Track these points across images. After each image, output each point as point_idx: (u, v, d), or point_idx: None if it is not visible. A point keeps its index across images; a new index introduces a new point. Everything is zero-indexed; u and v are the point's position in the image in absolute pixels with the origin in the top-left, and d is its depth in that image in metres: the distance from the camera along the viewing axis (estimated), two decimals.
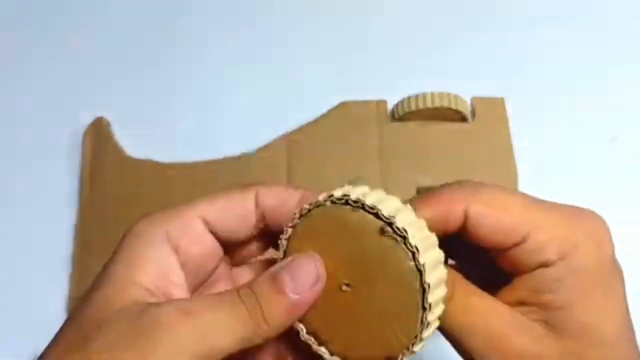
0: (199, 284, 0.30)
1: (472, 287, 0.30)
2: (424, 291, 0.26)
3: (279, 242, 0.28)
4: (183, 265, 0.29)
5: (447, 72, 0.62)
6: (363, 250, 0.27)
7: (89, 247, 0.54)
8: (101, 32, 0.65)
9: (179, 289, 0.28)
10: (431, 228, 0.28)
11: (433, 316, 0.27)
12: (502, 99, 0.57)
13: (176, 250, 0.28)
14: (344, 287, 0.27)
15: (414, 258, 0.26)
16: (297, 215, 0.28)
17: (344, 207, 0.27)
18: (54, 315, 0.53)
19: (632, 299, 0.52)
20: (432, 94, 0.54)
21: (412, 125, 0.56)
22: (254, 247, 0.32)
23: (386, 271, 0.26)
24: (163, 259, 0.28)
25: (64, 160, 0.59)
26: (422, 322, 0.26)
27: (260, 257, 0.33)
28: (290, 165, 0.55)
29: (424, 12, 0.66)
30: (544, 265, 0.28)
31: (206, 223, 0.29)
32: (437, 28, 0.65)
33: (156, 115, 0.61)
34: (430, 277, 0.26)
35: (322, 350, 0.28)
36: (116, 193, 0.56)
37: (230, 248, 0.31)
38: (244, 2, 0.67)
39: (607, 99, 0.61)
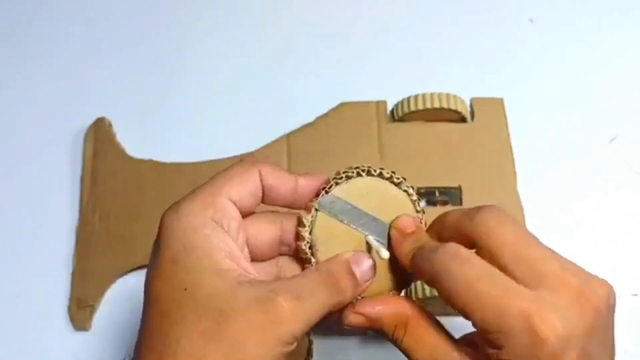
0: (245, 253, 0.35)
1: (428, 322, 0.33)
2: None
3: (304, 218, 0.35)
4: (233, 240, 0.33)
5: (446, 73, 0.62)
6: (383, 205, 0.35)
7: (89, 247, 0.54)
8: (103, 33, 0.66)
9: (244, 261, 0.33)
10: None
11: None
12: (501, 100, 0.57)
13: (224, 229, 0.32)
14: (365, 241, 0.35)
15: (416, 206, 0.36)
16: (323, 191, 0.35)
17: (353, 178, 0.35)
18: (55, 315, 0.53)
19: (631, 299, 0.52)
20: (432, 94, 0.54)
21: (411, 125, 0.56)
22: None
23: None
24: (224, 242, 0.32)
25: (66, 161, 0.59)
26: None
27: None
28: (290, 166, 0.55)
29: (423, 12, 0.66)
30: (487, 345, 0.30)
31: (232, 201, 0.33)
32: (436, 29, 0.65)
33: (157, 116, 0.61)
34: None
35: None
36: (117, 193, 0.56)
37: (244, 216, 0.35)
38: (245, 3, 0.67)
39: (606, 100, 0.61)
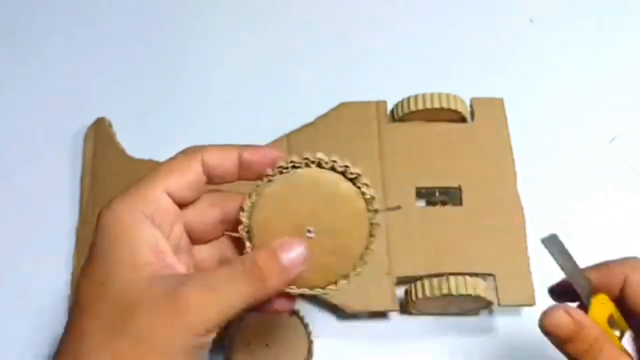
0: (174, 245, 0.35)
1: (618, 352, 0.33)
2: (370, 236, 0.35)
3: (243, 203, 0.34)
4: (163, 234, 0.33)
5: (446, 73, 0.62)
6: (328, 201, 0.34)
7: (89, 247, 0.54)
8: (103, 33, 0.66)
9: (171, 255, 0.33)
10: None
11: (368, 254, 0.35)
12: (501, 100, 0.57)
13: (155, 224, 0.33)
14: (308, 234, 0.34)
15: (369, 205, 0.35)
16: (265, 180, 0.34)
17: (300, 169, 0.34)
18: (55, 314, 0.53)
19: None
20: (432, 94, 0.54)
21: (411, 125, 0.56)
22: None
23: (347, 219, 0.34)
24: (151, 236, 0.32)
25: (66, 161, 0.59)
26: (361, 259, 0.35)
27: None
28: None
29: (423, 12, 0.66)
30: None
31: (169, 194, 0.34)
32: (436, 29, 0.65)
33: (157, 116, 0.61)
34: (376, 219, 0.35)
35: (293, 288, 0.35)
36: (117, 193, 0.55)
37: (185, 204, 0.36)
38: (245, 3, 0.67)
39: (606, 99, 0.62)
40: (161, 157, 0.56)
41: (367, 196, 0.35)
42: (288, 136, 0.56)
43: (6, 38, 0.65)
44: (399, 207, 0.53)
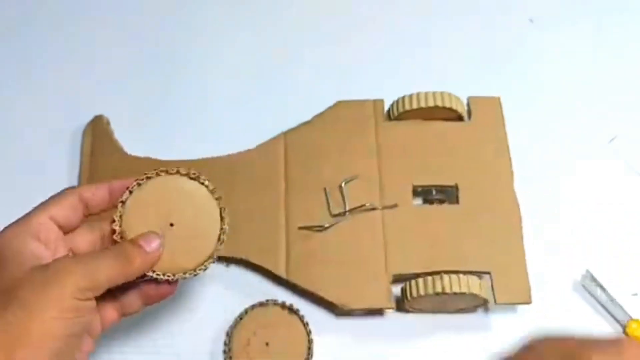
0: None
1: None
2: (221, 219, 0.44)
3: (114, 215, 0.43)
4: (46, 247, 0.40)
5: (443, 72, 0.62)
6: (184, 199, 0.43)
7: None
8: (101, 31, 0.66)
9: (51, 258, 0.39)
10: None
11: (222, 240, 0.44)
12: (498, 99, 0.57)
13: (37, 239, 0.39)
14: (170, 227, 0.43)
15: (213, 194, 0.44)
16: (133, 184, 0.43)
17: (153, 178, 0.44)
18: None
19: (631, 299, 0.52)
20: (429, 93, 0.54)
21: (408, 124, 0.56)
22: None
23: (199, 209, 0.44)
24: (33, 246, 0.39)
25: (63, 158, 0.59)
26: (219, 239, 0.43)
27: None
28: (287, 163, 0.55)
29: (421, 11, 0.66)
30: None
31: (52, 219, 0.40)
32: (434, 27, 0.66)
33: (155, 114, 0.62)
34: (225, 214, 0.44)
35: (157, 274, 0.42)
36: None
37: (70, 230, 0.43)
38: (244, 3, 0.67)
39: (606, 99, 0.61)
40: (159, 154, 0.57)
41: (210, 187, 0.44)
42: (285, 134, 0.56)
43: (5, 37, 0.65)
44: (395, 206, 0.53)
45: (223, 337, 0.51)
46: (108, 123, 0.59)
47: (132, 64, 0.64)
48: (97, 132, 0.58)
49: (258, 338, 0.50)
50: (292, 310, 0.51)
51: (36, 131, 0.61)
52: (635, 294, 0.53)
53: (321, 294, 0.51)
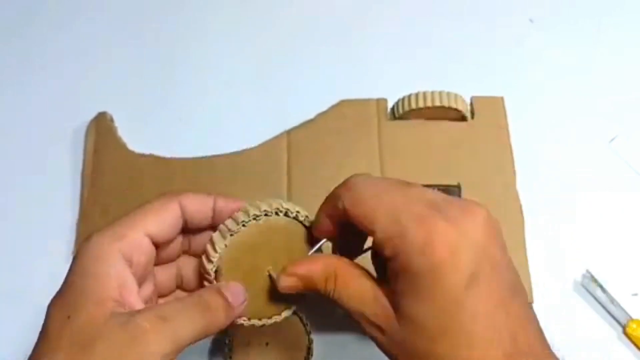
0: (141, 282, 0.37)
1: (355, 270, 0.36)
2: None
3: (217, 245, 0.37)
4: (134, 273, 0.35)
5: (447, 71, 0.62)
6: (287, 244, 0.39)
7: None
8: (104, 28, 0.66)
9: (134, 295, 0.35)
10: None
11: None
12: (501, 98, 0.57)
13: (129, 263, 0.35)
14: (264, 274, 0.38)
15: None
16: (228, 231, 0.37)
17: (271, 217, 0.38)
18: None
19: (631, 299, 0.52)
20: (432, 92, 0.54)
21: (411, 123, 0.56)
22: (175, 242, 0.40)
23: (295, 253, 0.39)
24: (121, 274, 0.34)
25: (67, 155, 0.59)
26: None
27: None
28: (290, 162, 0.55)
29: (424, 11, 0.66)
30: (387, 258, 0.33)
31: (149, 236, 0.36)
32: (437, 27, 0.66)
33: (159, 111, 0.61)
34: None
35: (246, 320, 0.39)
36: (118, 188, 0.56)
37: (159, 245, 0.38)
38: (246, 0, 0.67)
39: (606, 99, 0.62)
40: (162, 152, 0.57)
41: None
42: (288, 133, 0.56)
43: (8, 34, 0.65)
44: None
45: (223, 337, 0.51)
46: (112, 120, 0.59)
47: (136, 62, 0.64)
48: (101, 129, 0.58)
49: (258, 338, 0.50)
50: (292, 310, 0.51)
51: (40, 128, 0.61)
52: (635, 294, 0.54)
53: None
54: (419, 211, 0.32)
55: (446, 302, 0.31)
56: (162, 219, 0.36)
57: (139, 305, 0.34)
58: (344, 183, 0.35)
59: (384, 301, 0.34)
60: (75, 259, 0.34)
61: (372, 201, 0.33)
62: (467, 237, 0.32)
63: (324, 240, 0.38)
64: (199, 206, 0.38)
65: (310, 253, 0.39)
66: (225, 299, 0.36)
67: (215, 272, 0.38)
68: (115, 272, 0.34)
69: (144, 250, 0.36)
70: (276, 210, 0.38)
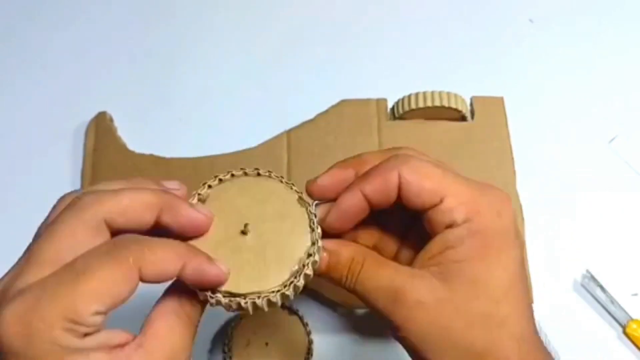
0: None
1: (382, 260, 0.35)
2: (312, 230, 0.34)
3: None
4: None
5: (447, 71, 0.62)
6: (265, 202, 0.35)
7: None
8: (104, 28, 0.66)
9: None
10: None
11: (309, 268, 0.33)
12: (501, 99, 0.57)
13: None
14: (244, 229, 0.34)
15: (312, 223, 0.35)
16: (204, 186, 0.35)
17: (253, 177, 0.37)
18: None
19: (631, 299, 0.52)
20: (432, 92, 0.54)
21: (411, 123, 0.56)
22: None
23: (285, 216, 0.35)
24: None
25: (67, 155, 0.59)
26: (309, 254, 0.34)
27: None
28: (290, 161, 0.55)
29: (424, 11, 0.66)
30: (451, 225, 0.33)
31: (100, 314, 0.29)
32: (437, 27, 0.66)
33: (158, 111, 0.61)
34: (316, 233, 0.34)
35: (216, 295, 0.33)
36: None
37: None
38: (245, 1, 0.67)
39: (606, 99, 0.62)
40: (161, 151, 0.57)
41: (296, 188, 0.36)
42: (288, 133, 0.56)
43: (8, 34, 0.65)
44: None
45: (223, 337, 0.51)
46: (111, 120, 0.59)
47: (135, 61, 0.64)
48: (100, 129, 0.58)
49: (258, 338, 0.50)
50: (292, 310, 0.51)
51: (39, 128, 0.61)
52: (635, 294, 0.54)
53: (323, 291, 0.51)
54: (479, 182, 0.35)
55: (513, 264, 0.33)
56: (114, 298, 0.29)
57: (121, 340, 0.30)
58: (393, 159, 0.35)
59: (424, 274, 0.33)
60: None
61: (437, 172, 0.34)
62: (511, 210, 0.34)
63: (317, 202, 0.36)
64: (161, 274, 0.31)
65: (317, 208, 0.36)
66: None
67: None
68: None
69: (95, 326, 0.29)
70: (243, 171, 0.37)
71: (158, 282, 0.31)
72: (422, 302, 0.33)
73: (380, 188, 0.34)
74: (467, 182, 0.34)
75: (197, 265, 0.31)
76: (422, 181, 0.34)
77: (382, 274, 0.34)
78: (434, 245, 0.34)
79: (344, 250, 0.36)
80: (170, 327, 0.31)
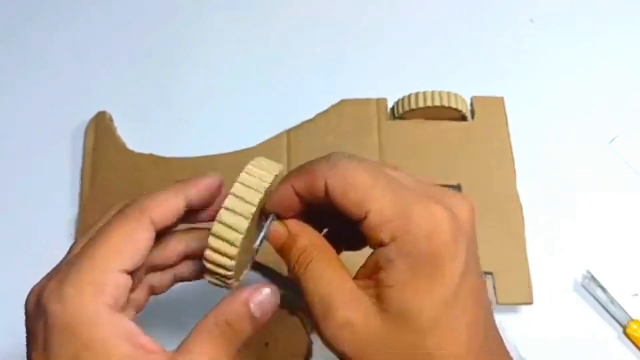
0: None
1: (333, 261, 0.33)
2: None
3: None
4: (122, 308, 0.32)
5: (447, 71, 0.62)
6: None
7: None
8: (104, 27, 0.66)
9: (145, 337, 0.32)
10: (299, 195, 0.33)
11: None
12: (501, 98, 0.57)
13: (118, 308, 0.32)
14: None
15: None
16: None
17: None
18: None
19: (631, 299, 0.52)
20: (432, 92, 0.54)
21: (411, 123, 0.56)
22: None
23: None
24: (122, 326, 0.31)
25: (66, 154, 0.59)
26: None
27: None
28: (290, 161, 0.55)
29: (424, 11, 0.66)
30: (380, 244, 0.30)
31: (126, 271, 0.32)
32: (437, 27, 0.65)
33: (158, 110, 0.61)
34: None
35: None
36: (117, 187, 0.56)
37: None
38: (245, 1, 0.67)
39: (606, 99, 0.62)
40: (161, 151, 0.57)
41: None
42: (288, 132, 0.56)
43: (8, 34, 0.65)
44: None
45: None
46: (111, 119, 0.59)
47: (135, 61, 0.64)
48: (100, 128, 0.58)
49: (258, 338, 0.50)
50: (292, 310, 0.51)
51: (39, 127, 0.61)
52: (636, 294, 0.54)
53: None
54: (420, 194, 0.31)
55: (444, 291, 0.30)
56: (135, 251, 0.32)
57: (151, 345, 0.32)
58: (325, 160, 0.32)
59: (361, 294, 0.31)
60: (53, 325, 0.30)
61: (364, 182, 0.31)
62: (463, 227, 0.31)
63: (272, 216, 0.34)
64: (166, 214, 0.34)
65: (267, 224, 0.34)
66: (252, 317, 0.32)
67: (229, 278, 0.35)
68: (115, 330, 0.30)
69: (126, 288, 0.32)
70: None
71: (171, 223, 0.34)
72: (352, 325, 0.31)
73: (308, 189, 0.32)
74: (398, 194, 0.31)
75: (195, 186, 0.35)
76: (347, 191, 0.31)
77: (324, 279, 0.32)
78: (369, 262, 0.32)
79: (301, 237, 0.33)
80: (203, 346, 0.32)
